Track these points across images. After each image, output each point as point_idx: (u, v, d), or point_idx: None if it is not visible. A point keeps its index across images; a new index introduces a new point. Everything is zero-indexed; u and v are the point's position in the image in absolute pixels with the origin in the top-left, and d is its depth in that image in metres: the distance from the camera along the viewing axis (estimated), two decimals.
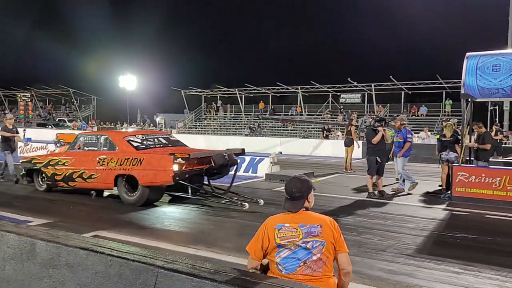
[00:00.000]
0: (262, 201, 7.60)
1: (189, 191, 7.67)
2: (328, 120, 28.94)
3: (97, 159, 7.84)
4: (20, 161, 9.60)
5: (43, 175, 8.81)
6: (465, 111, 8.89)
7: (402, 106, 30.82)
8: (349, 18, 46.43)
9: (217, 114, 37.77)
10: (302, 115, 33.07)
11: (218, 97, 38.39)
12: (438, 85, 28.07)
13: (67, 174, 8.28)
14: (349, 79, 29.75)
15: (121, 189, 7.59)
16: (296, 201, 2.66)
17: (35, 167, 8.92)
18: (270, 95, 35.56)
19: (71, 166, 8.23)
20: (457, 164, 8.58)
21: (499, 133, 15.73)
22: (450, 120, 9.86)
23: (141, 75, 39.59)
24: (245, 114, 35.53)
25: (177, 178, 7.02)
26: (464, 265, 4.60)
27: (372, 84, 30.10)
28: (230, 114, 37.41)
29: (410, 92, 30.69)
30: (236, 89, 35.39)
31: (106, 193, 8.76)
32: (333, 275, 2.61)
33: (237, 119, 35.72)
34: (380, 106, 31.10)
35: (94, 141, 8.30)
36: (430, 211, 7.50)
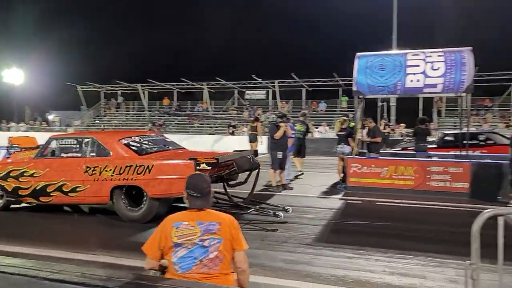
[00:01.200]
0: (290, 209, 6.69)
1: None
2: (235, 116, 29.27)
3: (84, 167, 6.46)
4: None
5: (0, 190, 7.22)
6: (358, 107, 9.58)
7: (304, 102, 32.39)
8: (254, 17, 47.36)
9: (118, 111, 35.87)
10: (208, 111, 32.96)
11: (119, 93, 36.50)
12: (335, 82, 30.00)
13: (38, 188, 6.76)
14: (253, 75, 30.37)
15: (120, 203, 6.35)
16: (206, 197, 2.64)
17: None
18: (175, 91, 34.81)
19: (44, 178, 6.71)
20: (351, 156, 9.22)
21: (387, 127, 17.34)
22: (342, 118, 10.54)
23: (30, 69, 36.00)
24: (148, 111, 34.31)
25: None
26: (356, 250, 4.95)
27: (276, 81, 31.12)
28: (132, 111, 35.83)
29: (310, 89, 32.34)
30: (139, 85, 34.00)
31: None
32: (232, 272, 2.60)
33: (140, 116, 34.35)
34: (284, 102, 32.30)
35: (75, 146, 6.87)
36: (328, 202, 7.96)
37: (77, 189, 6.51)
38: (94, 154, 6.60)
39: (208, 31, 47.56)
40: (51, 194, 6.70)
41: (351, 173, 8.91)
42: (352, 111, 10.10)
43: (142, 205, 6.23)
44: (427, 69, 8.49)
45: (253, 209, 6.55)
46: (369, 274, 4.24)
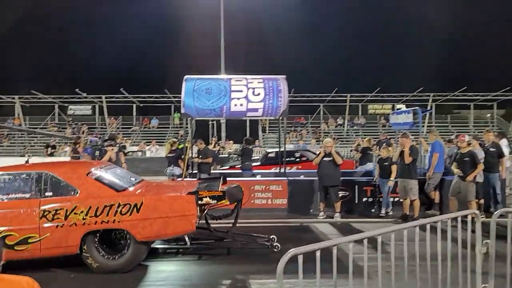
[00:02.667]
0: (275, 238, 6.04)
1: (186, 238, 5.75)
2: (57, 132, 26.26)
3: (40, 211, 5.06)
4: None
5: None
6: (187, 129, 9.63)
7: (135, 119, 31.27)
8: (81, 30, 43.84)
9: None
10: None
11: None
12: (167, 99, 29.86)
13: None
14: (77, 89, 27.92)
15: (93, 252, 5.12)
16: None
17: None
18: None
19: None
20: (181, 179, 9.16)
21: (217, 145, 17.96)
22: (171, 140, 10.48)
23: None
24: None
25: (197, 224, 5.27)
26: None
27: (103, 96, 29.26)
28: None
29: (141, 105, 31.43)
30: None
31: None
32: None
33: None
34: (113, 118, 30.57)
35: (18, 184, 5.30)
36: None
37: (29, 240, 5.06)
38: (51, 193, 5.25)
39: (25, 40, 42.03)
40: None
41: None
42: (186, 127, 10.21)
43: (124, 251, 5.18)
44: (249, 95, 9.07)
45: (244, 241, 6.01)
46: None
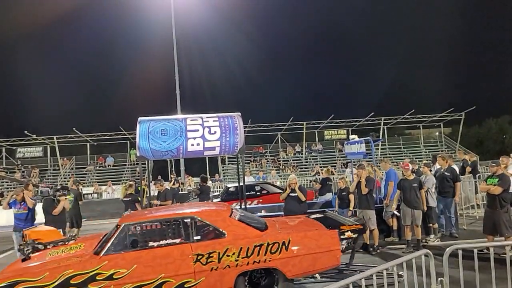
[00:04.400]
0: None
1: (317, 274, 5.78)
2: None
3: (193, 255, 5.02)
4: None
5: None
6: (144, 171, 9.38)
7: (89, 158, 30.28)
8: (29, 68, 42.62)
9: None
10: None
11: None
12: (123, 136, 29.24)
13: None
14: (26, 131, 26.81)
15: None
16: None
17: None
18: None
19: (131, 279, 4.90)
20: None
21: (175, 182, 17.67)
22: (127, 183, 10.20)
23: None
24: None
25: None
26: None
27: (55, 137, 28.22)
28: None
29: (95, 144, 30.55)
30: None
31: None
32: None
33: None
34: (66, 159, 29.45)
35: (165, 231, 5.35)
36: None
37: (185, 286, 5.00)
38: (199, 237, 5.29)
39: None
40: None
41: None
42: (143, 163, 9.87)
43: None
44: (205, 133, 9.01)
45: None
46: None
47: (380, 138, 23.54)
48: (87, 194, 20.20)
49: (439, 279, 3.48)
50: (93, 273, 4.97)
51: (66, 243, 5.86)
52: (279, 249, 5.17)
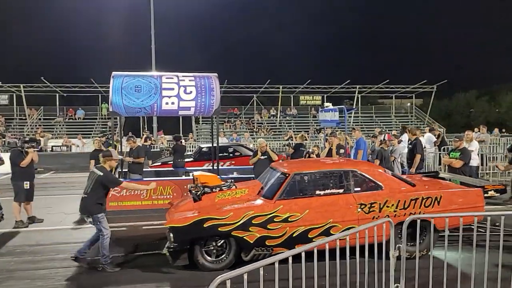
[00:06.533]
0: None
1: None
2: None
3: (357, 204, 5.56)
4: (168, 224, 5.48)
5: (231, 243, 5.46)
6: (116, 126, 9.25)
7: (58, 109, 29.42)
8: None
9: None
10: None
11: None
12: (94, 88, 28.40)
13: (295, 235, 5.44)
14: None
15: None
16: None
17: (214, 232, 5.34)
18: None
19: (304, 222, 5.45)
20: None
21: (148, 139, 17.48)
22: (97, 138, 10.04)
23: None
24: None
25: None
26: None
27: (21, 85, 27.13)
28: None
29: (65, 95, 29.62)
30: None
31: None
32: None
33: None
34: (33, 109, 28.51)
35: (327, 181, 5.85)
36: (85, 233, 7.32)
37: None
38: (359, 188, 5.80)
39: None
40: (313, 240, 5.29)
41: (110, 197, 8.50)
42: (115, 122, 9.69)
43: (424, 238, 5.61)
44: (181, 93, 8.91)
45: None
46: None
47: (354, 107, 23.88)
48: (55, 146, 19.76)
49: (397, 245, 3.73)
50: (271, 215, 5.46)
51: (230, 187, 6.30)
52: (432, 203, 5.70)
